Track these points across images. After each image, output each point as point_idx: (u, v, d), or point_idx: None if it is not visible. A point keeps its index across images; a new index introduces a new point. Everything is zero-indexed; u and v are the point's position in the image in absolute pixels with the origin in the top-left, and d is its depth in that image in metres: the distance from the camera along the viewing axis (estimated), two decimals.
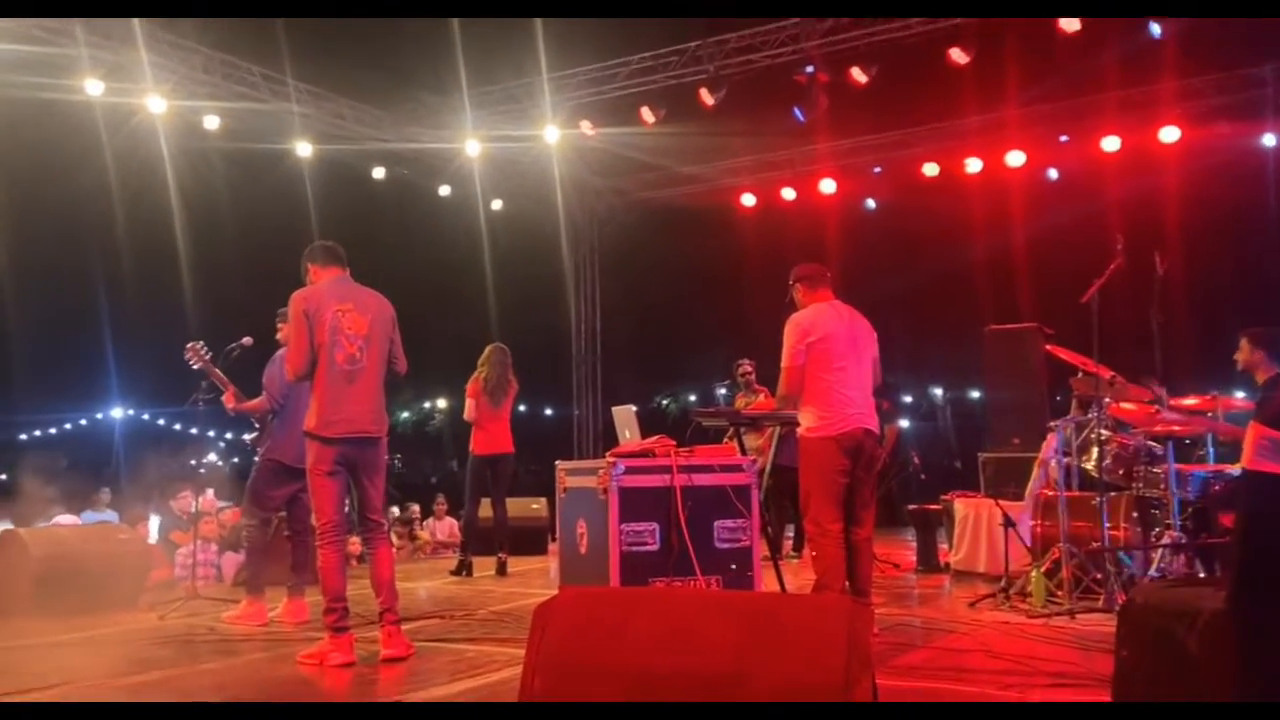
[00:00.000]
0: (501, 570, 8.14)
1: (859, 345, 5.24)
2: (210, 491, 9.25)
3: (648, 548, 5.25)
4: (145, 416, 29.20)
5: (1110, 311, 5.86)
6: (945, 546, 7.96)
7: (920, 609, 6.28)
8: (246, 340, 6.46)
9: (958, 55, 9.03)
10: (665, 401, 29.45)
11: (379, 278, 5.28)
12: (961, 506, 7.55)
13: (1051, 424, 6.69)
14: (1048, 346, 7.13)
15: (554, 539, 7.27)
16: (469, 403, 8.29)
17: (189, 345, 6.21)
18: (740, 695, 2.36)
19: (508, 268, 14.38)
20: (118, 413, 29.46)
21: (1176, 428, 5.95)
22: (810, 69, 9.75)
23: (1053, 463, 6.71)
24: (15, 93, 8.84)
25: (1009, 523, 6.37)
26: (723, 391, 9.31)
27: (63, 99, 9.26)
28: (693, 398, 25.85)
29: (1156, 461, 6.06)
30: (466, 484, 8.40)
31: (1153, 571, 5.81)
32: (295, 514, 6.07)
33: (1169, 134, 10.46)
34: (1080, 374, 6.35)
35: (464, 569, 8.17)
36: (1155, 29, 8.71)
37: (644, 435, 5.77)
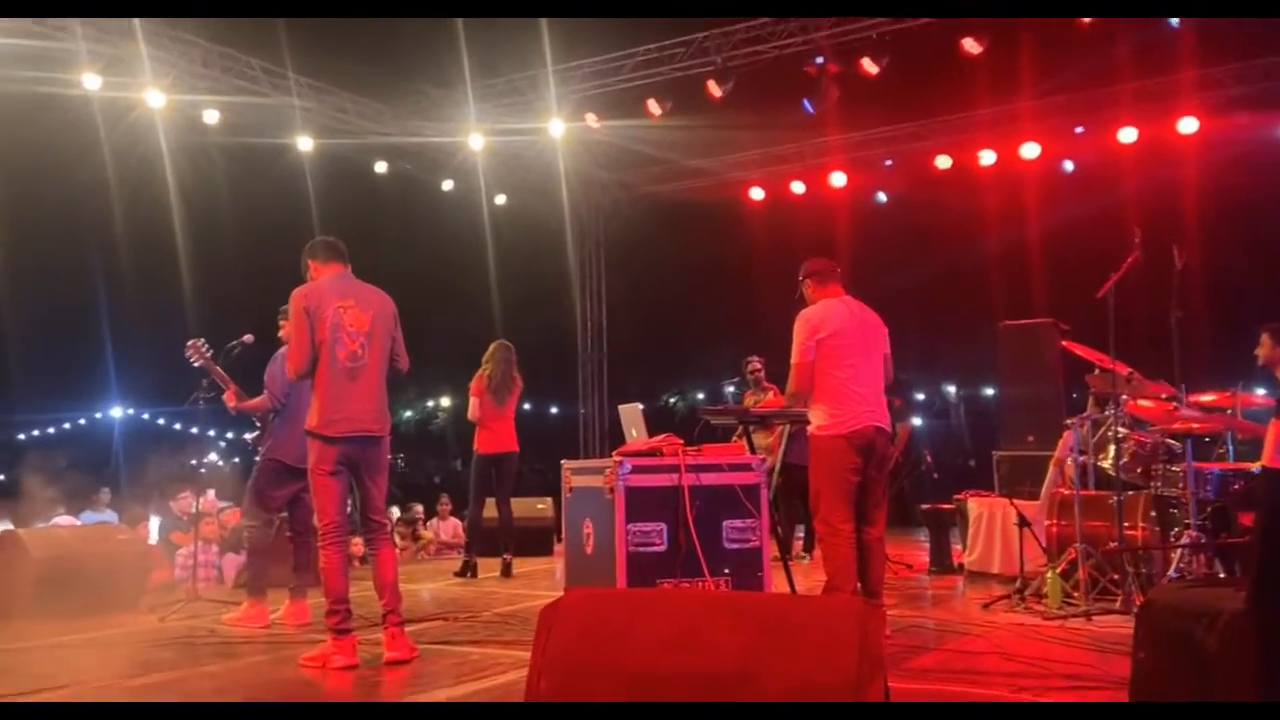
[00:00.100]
0: (506, 571, 8.15)
1: (870, 341, 5.23)
2: (211, 492, 9.26)
3: (655, 548, 5.25)
4: (145, 416, 29.29)
5: (1127, 306, 5.84)
6: (959, 547, 7.94)
7: (933, 611, 6.27)
8: (247, 338, 6.48)
9: (971, 45, 9.01)
10: (673, 399, 29.46)
11: (381, 274, 5.29)
12: (975, 506, 7.53)
13: (1067, 421, 6.67)
14: (1063, 342, 7.11)
15: (560, 539, 7.27)
16: (472, 401, 8.30)
17: (189, 343, 6.23)
18: (749, 698, 2.36)
19: (512, 264, 14.40)
20: (117, 412, 29.56)
21: (1195, 425, 5.93)
22: (820, 60, 9.73)
23: (1069, 461, 6.69)
24: (11, 87, 8.87)
25: (1024, 522, 6.36)
26: (731, 389, 9.28)
27: (60, 93, 9.29)
28: (701, 395, 25.87)
29: (1175, 460, 6.04)
30: (471, 484, 8.40)
31: (1171, 572, 5.79)
32: (297, 515, 6.08)
33: (1187, 125, 10.43)
34: (1097, 370, 6.33)
35: (468, 570, 8.18)
36: (1173, 19, 8.68)
37: (651, 434, 5.76)
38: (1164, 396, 6.13)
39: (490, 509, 8.40)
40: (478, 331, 12.11)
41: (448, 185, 12.84)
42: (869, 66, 9.50)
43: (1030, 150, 11.30)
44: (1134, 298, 5.93)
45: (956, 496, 7.98)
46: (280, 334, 6.11)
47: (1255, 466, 5.70)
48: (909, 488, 9.68)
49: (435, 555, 10.72)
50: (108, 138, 10.32)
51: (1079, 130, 11.21)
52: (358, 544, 6.82)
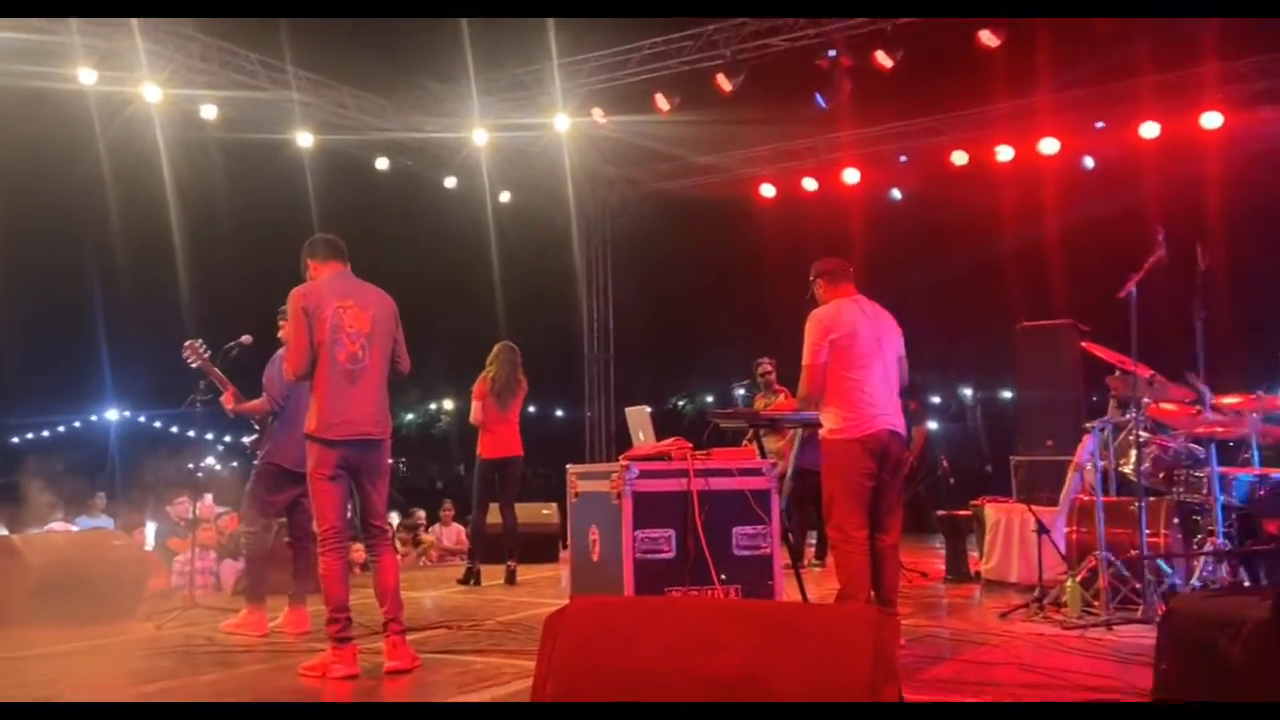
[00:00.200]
0: (510, 579, 8.15)
1: (884, 343, 5.23)
2: (209, 497, 9.29)
3: (663, 555, 5.25)
4: (141, 419, 29.40)
5: (1149, 307, 5.82)
6: (975, 554, 7.93)
7: (949, 620, 6.26)
8: (245, 339, 6.49)
9: (988, 38, 8.99)
10: (681, 402, 29.45)
11: (382, 273, 5.30)
12: (992, 512, 7.52)
13: (1087, 425, 6.65)
14: (1083, 344, 7.09)
15: (565, 546, 7.28)
16: (475, 404, 8.30)
17: (186, 343, 6.24)
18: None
19: (516, 263, 14.42)
20: (113, 415, 29.66)
21: (1219, 429, 5.90)
22: (832, 53, 9.72)
23: (1088, 466, 6.68)
24: (5, 81, 8.90)
25: (1042, 529, 6.35)
26: (741, 392, 9.29)
27: (54, 88, 9.32)
28: (710, 398, 25.85)
29: (1198, 465, 6.01)
30: (474, 489, 8.41)
31: (1194, 581, 5.77)
32: (296, 520, 6.09)
33: (1211, 119, 10.40)
34: (1118, 373, 6.31)
35: (471, 577, 8.19)
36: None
37: (659, 437, 5.77)
38: (1196, 385, 6.11)
39: (494, 515, 8.40)
40: (481, 332, 12.14)
41: (450, 182, 12.86)
42: (883, 59, 9.48)
43: (1049, 146, 11.28)
44: (1156, 298, 5.91)
45: (973, 502, 7.97)
46: (280, 335, 6.13)
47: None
48: (924, 493, 9.67)
49: (438, 562, 10.74)
50: (103, 133, 10.36)
51: (1099, 125, 11.18)
52: (358, 550, 6.85)
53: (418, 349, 5.19)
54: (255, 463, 6.14)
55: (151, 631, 6.05)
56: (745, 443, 7.62)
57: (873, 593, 5.02)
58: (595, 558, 5.61)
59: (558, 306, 15.16)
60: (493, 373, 8.28)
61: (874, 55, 9.51)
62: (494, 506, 8.40)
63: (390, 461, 5.15)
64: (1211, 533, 5.83)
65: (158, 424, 28.07)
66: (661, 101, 10.54)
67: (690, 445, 5.55)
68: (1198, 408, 6.00)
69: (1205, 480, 5.90)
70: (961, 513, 8.09)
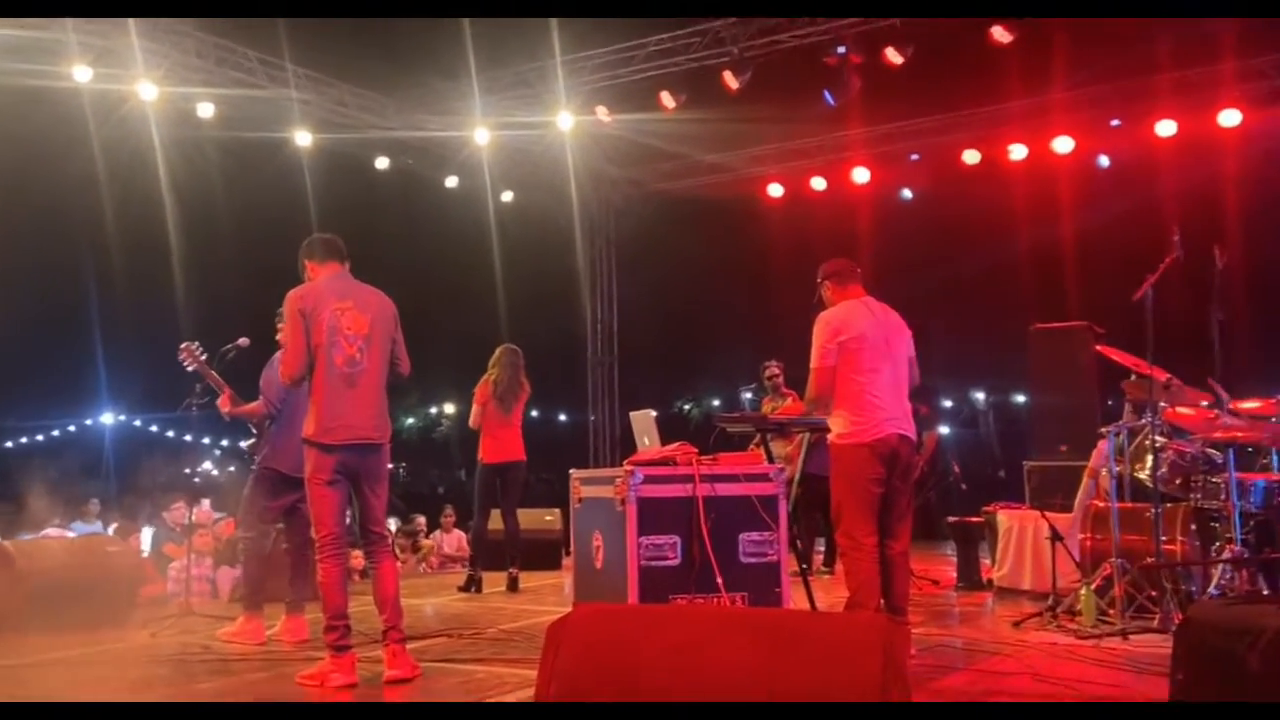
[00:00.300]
0: (513, 586, 8.16)
1: (893, 345, 5.22)
2: (205, 502, 9.32)
3: (668, 562, 5.25)
4: (137, 422, 29.42)
5: (1166, 309, 5.81)
6: (988, 562, 7.92)
7: (961, 629, 6.26)
8: (243, 341, 6.51)
9: (1000, 34, 8.99)
10: (687, 406, 29.42)
11: (381, 274, 5.31)
12: (1005, 519, 7.51)
13: (1102, 430, 6.65)
14: (1098, 347, 7.08)
15: (568, 552, 7.28)
16: (475, 408, 8.31)
17: (183, 346, 6.26)
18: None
19: (519, 263, 14.41)
20: (108, 418, 29.71)
21: (1238, 434, 5.89)
22: (841, 49, 9.71)
23: (1103, 472, 6.67)
24: None
25: (1056, 536, 6.34)
26: (748, 395, 9.29)
27: (48, 86, 9.35)
28: (716, 402, 25.83)
29: (1216, 470, 6.01)
30: (475, 494, 8.42)
31: (1212, 589, 5.76)
32: (294, 526, 6.10)
33: (1229, 117, 10.38)
34: (1133, 376, 6.30)
35: (473, 584, 8.20)
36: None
37: (664, 442, 5.77)
38: (1204, 404, 6.10)
39: (496, 521, 8.42)
40: (483, 334, 12.15)
41: (452, 182, 12.88)
42: (893, 56, 9.48)
43: (1063, 144, 11.27)
44: (1173, 300, 5.91)
45: (985, 509, 7.96)
46: (278, 337, 6.14)
47: None
48: (935, 499, 9.66)
49: (439, 569, 10.75)
50: (98, 132, 10.38)
51: (1115, 123, 11.16)
52: (357, 557, 6.86)
53: (418, 351, 5.19)
54: (253, 467, 6.16)
55: (147, 639, 6.06)
56: (752, 447, 7.62)
57: (883, 601, 5.01)
58: (599, 565, 5.61)
59: (561, 308, 15.16)
60: (495, 375, 8.30)
61: (884, 52, 9.51)
62: (496, 512, 8.41)
63: (390, 466, 5.16)
64: (1230, 540, 5.83)
65: (154, 428, 28.11)
66: (667, 99, 10.54)
67: (696, 450, 5.55)
68: (1215, 412, 5.99)
69: (1223, 486, 5.89)
70: (973, 519, 8.08)
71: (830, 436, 5.20)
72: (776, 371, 9.17)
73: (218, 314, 14.06)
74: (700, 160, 12.92)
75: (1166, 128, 10.72)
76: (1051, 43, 9.74)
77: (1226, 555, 5.80)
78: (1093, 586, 5.92)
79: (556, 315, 15.51)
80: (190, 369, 6.25)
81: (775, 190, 13.12)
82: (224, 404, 6.20)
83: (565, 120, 11.32)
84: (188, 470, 12.94)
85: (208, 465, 20.61)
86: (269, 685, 4.84)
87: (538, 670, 2.64)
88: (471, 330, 15.10)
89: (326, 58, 10.72)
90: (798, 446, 8.66)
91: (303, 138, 11.19)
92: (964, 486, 9.32)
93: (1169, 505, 6.14)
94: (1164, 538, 5.91)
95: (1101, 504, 6.49)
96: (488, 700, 4.40)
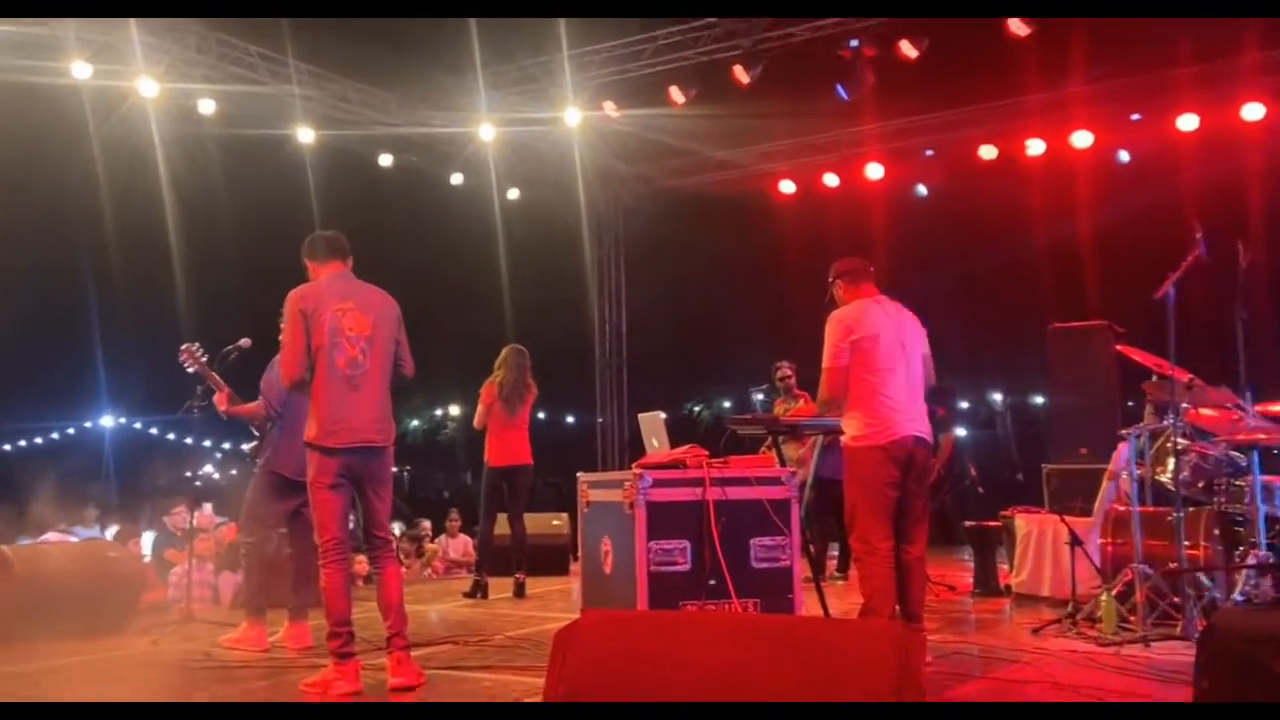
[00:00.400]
0: (519, 592, 8.17)
1: (908, 345, 5.21)
2: (207, 506, 9.33)
3: (678, 567, 5.25)
4: (137, 425, 29.52)
5: (1188, 307, 5.79)
6: (1005, 567, 7.91)
7: (978, 636, 6.25)
8: (244, 342, 6.52)
9: (1017, 26, 8.97)
10: (697, 408, 29.43)
11: (385, 273, 5.31)
12: (1023, 523, 7.49)
13: (1123, 432, 6.63)
14: (1118, 347, 7.07)
15: (576, 558, 7.28)
16: (480, 409, 8.31)
17: (183, 347, 6.27)
18: None
19: (525, 262, 14.43)
20: (108, 421, 29.81)
21: (1262, 436, 5.87)
22: (855, 43, 9.70)
23: (1124, 475, 6.64)
24: None
25: (1076, 541, 6.32)
26: (760, 397, 9.27)
27: (47, 82, 9.39)
28: (727, 404, 25.83)
29: (1240, 473, 5.98)
30: (481, 498, 8.43)
31: (1236, 595, 5.73)
32: (297, 530, 6.11)
33: (1252, 111, 10.35)
34: (1154, 377, 6.28)
35: (479, 590, 8.20)
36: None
37: (674, 445, 5.77)
38: (1228, 405, 6.07)
39: (502, 525, 8.42)
40: (488, 335, 12.18)
41: (457, 179, 12.90)
42: (908, 50, 9.46)
43: (1082, 139, 11.24)
44: (1195, 298, 5.89)
45: (1003, 513, 7.95)
46: (281, 338, 6.15)
47: None
48: (952, 503, 9.63)
49: (444, 574, 10.77)
50: (98, 130, 10.42)
51: (1135, 118, 11.13)
52: (361, 562, 6.87)
53: (422, 352, 5.20)
54: (255, 470, 6.17)
55: (147, 646, 6.08)
56: (764, 450, 7.63)
57: (898, 607, 5.01)
58: (607, 570, 5.61)
59: (568, 308, 15.17)
60: (501, 377, 8.30)
61: (898, 45, 9.50)
62: (502, 517, 8.42)
63: (394, 470, 5.16)
64: (1254, 544, 5.79)
65: (154, 430, 28.20)
66: (676, 94, 10.53)
67: (706, 453, 5.55)
68: (1239, 413, 5.96)
69: (1247, 489, 5.86)
70: (991, 523, 8.06)
71: (844, 439, 5.19)
72: (789, 372, 9.15)
73: (219, 314, 14.09)
74: (710, 156, 12.92)
75: (1188, 122, 10.68)
76: (1070, 35, 9.71)
77: (1251, 560, 5.78)
78: (1113, 593, 5.91)
79: (563, 315, 15.53)
80: (191, 370, 6.27)
81: (787, 187, 13.11)
82: (221, 402, 6.22)
83: (572, 116, 11.33)
84: (189, 474, 12.99)
85: (209, 469, 20.66)
86: (271, 693, 4.85)
87: (545, 678, 2.64)
88: (477, 330, 15.13)
89: (329, 53, 10.75)
90: (810, 449, 8.63)
91: (305, 134, 11.22)
92: (981, 490, 9.30)
93: (1191, 509, 6.12)
94: (1186, 542, 5.89)
95: (1122, 508, 6.47)
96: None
